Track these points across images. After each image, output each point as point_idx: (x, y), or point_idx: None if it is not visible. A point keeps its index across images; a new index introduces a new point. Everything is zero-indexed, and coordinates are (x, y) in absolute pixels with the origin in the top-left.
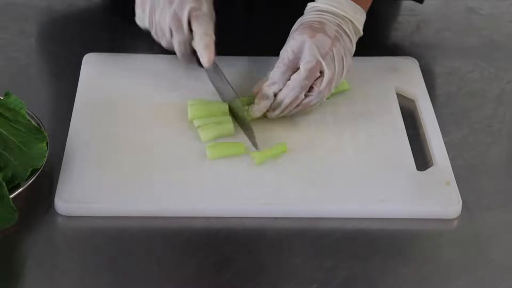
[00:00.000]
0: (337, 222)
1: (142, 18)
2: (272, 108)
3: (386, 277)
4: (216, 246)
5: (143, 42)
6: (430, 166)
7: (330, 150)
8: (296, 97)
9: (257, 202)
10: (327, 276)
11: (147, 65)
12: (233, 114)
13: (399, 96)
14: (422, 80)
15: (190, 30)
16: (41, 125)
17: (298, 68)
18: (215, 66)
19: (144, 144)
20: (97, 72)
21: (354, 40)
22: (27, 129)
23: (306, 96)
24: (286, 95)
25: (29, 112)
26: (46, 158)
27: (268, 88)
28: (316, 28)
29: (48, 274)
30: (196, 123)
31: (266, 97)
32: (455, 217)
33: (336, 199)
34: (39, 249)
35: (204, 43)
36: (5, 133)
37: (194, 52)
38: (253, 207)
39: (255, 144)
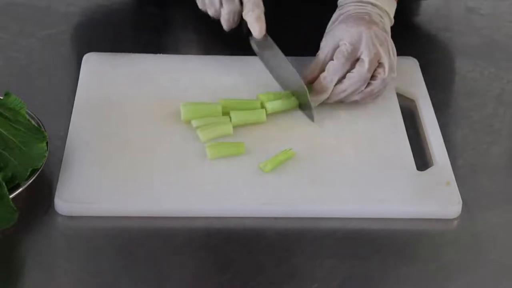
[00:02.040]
0: (337, 222)
1: None
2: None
3: (386, 277)
4: (216, 246)
5: (143, 42)
6: (430, 166)
7: (330, 150)
8: (358, 89)
9: (257, 202)
10: (327, 276)
11: (147, 65)
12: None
13: (399, 96)
14: (422, 80)
15: (240, 1)
16: (41, 125)
17: (356, 60)
18: (266, 38)
19: (144, 144)
20: (97, 72)
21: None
22: (27, 129)
23: (368, 84)
24: (348, 87)
25: (29, 112)
26: (46, 158)
27: (328, 81)
28: (370, 21)
29: (48, 274)
30: (194, 123)
31: (325, 90)
32: (455, 217)
33: (336, 199)
34: (39, 249)
35: (256, 15)
36: (5, 133)
37: (241, 24)
38: (253, 207)
39: (311, 117)
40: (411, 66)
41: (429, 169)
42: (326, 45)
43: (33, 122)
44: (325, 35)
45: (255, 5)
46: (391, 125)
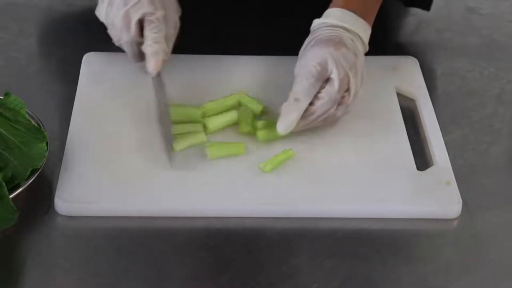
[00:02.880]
0: (337, 222)
1: (100, 11)
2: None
3: (386, 277)
4: (216, 246)
5: None
6: (430, 166)
7: (330, 150)
8: (327, 110)
9: (257, 202)
10: (327, 276)
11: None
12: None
13: (399, 95)
14: (423, 80)
15: (142, 33)
16: (41, 125)
17: (325, 81)
18: (159, 77)
19: (143, 144)
20: (97, 72)
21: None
22: (27, 129)
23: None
24: (319, 108)
25: (29, 112)
26: (46, 158)
27: (296, 103)
28: (338, 43)
29: (48, 274)
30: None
31: (295, 111)
32: (455, 217)
33: (336, 199)
34: (39, 249)
35: (152, 50)
36: (5, 133)
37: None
38: (253, 207)
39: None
40: (411, 66)
41: (429, 169)
42: (299, 72)
43: (33, 122)
44: (297, 61)
45: (153, 41)
46: (391, 125)
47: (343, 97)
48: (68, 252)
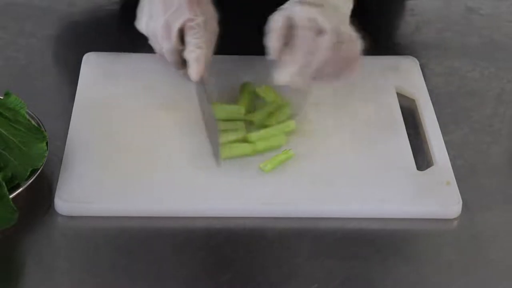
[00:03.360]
0: (337, 222)
1: (140, 23)
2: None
3: (386, 277)
4: (216, 246)
5: (143, 41)
6: (430, 166)
7: (330, 150)
8: (327, 58)
9: (257, 202)
10: (327, 276)
11: (147, 65)
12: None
13: (399, 95)
14: (423, 80)
15: (183, 40)
16: (41, 125)
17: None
18: (202, 83)
19: (144, 144)
20: (97, 72)
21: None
22: (27, 129)
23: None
24: (317, 57)
25: (29, 112)
26: (46, 158)
27: (291, 55)
28: (310, 2)
29: (48, 274)
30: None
31: (289, 63)
32: (455, 217)
33: (336, 199)
34: (39, 249)
35: (194, 56)
36: (5, 133)
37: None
38: (253, 207)
39: (217, 156)
40: (411, 66)
41: (429, 169)
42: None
43: (33, 122)
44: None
45: (195, 46)
46: (391, 125)
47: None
48: (68, 252)
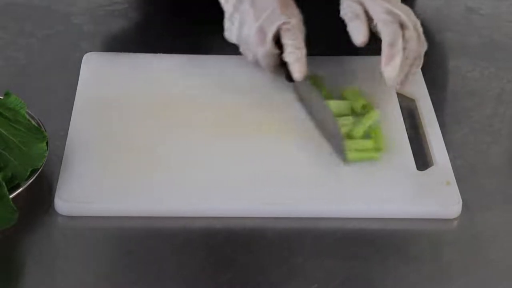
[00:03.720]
0: (337, 222)
1: (230, 32)
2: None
3: (386, 277)
4: (216, 246)
5: (143, 41)
6: (430, 166)
7: (330, 149)
8: (416, 49)
9: (257, 202)
10: (327, 276)
11: (147, 65)
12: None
13: (399, 96)
14: (423, 80)
15: (278, 44)
16: (41, 125)
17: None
18: (307, 82)
19: (144, 144)
20: (97, 71)
21: None
22: (27, 129)
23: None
24: (411, 50)
25: (29, 112)
26: (46, 158)
27: (391, 47)
28: None
29: (48, 274)
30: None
31: (394, 56)
32: (455, 217)
33: (336, 199)
34: (39, 249)
35: (295, 56)
36: (5, 133)
37: (282, 66)
38: (253, 207)
39: (342, 155)
40: None
41: (429, 169)
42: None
43: (33, 122)
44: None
45: (295, 47)
46: (391, 125)
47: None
48: (68, 252)
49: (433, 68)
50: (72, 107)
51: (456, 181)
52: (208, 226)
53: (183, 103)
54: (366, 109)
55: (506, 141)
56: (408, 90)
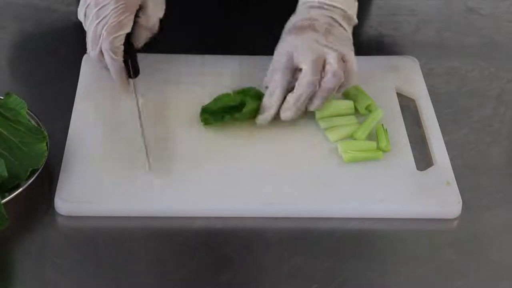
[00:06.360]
0: (337, 222)
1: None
2: (283, 110)
3: (386, 277)
4: (216, 246)
5: None
6: (430, 166)
7: (330, 149)
8: (311, 93)
9: (257, 202)
10: (327, 276)
11: (146, 65)
12: None
13: (399, 95)
14: (423, 80)
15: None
16: (41, 125)
17: (296, 70)
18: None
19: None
20: (97, 72)
21: (349, 28)
22: (27, 129)
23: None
24: (300, 95)
25: (29, 112)
26: (46, 158)
27: (269, 98)
28: (305, 26)
29: (48, 274)
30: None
31: (269, 107)
32: (455, 217)
33: (336, 199)
34: (39, 249)
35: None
36: (5, 133)
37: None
38: (253, 207)
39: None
40: (411, 66)
41: (429, 169)
42: (272, 65)
43: (33, 122)
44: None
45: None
46: (391, 124)
47: (322, 76)
48: (68, 252)
49: (433, 67)
50: (72, 107)
51: (456, 181)
52: (208, 226)
53: (183, 103)
54: (369, 109)
55: (506, 141)
56: (408, 90)
